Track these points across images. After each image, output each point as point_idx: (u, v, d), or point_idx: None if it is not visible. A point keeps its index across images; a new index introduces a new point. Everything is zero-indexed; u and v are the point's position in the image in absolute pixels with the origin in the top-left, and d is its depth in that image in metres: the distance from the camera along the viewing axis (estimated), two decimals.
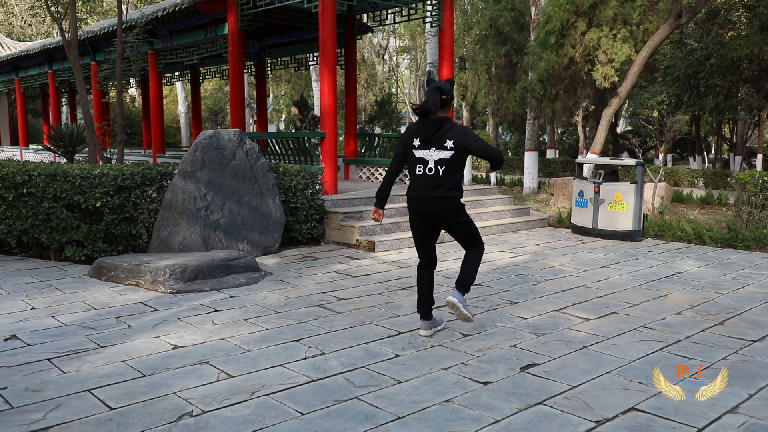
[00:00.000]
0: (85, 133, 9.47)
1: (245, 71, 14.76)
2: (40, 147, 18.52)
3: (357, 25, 12.54)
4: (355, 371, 3.70)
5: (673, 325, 4.64)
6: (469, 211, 9.62)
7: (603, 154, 14.39)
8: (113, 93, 14.62)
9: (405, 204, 9.06)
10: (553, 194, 12.51)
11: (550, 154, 23.70)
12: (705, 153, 22.68)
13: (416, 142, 4.21)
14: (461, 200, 4.27)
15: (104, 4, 27.46)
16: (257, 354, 3.99)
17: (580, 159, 10.05)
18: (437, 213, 4.22)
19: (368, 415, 3.11)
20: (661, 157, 19.59)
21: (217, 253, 6.33)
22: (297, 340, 4.27)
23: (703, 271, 6.61)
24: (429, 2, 10.63)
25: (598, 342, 4.26)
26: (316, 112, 18.97)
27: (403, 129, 30.33)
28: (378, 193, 4.40)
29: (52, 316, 4.79)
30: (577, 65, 14.29)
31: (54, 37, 25.71)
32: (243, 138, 7.42)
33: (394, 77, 33.99)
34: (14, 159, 8.57)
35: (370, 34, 19.18)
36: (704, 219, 10.29)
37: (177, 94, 28.25)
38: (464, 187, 11.31)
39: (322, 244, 8.24)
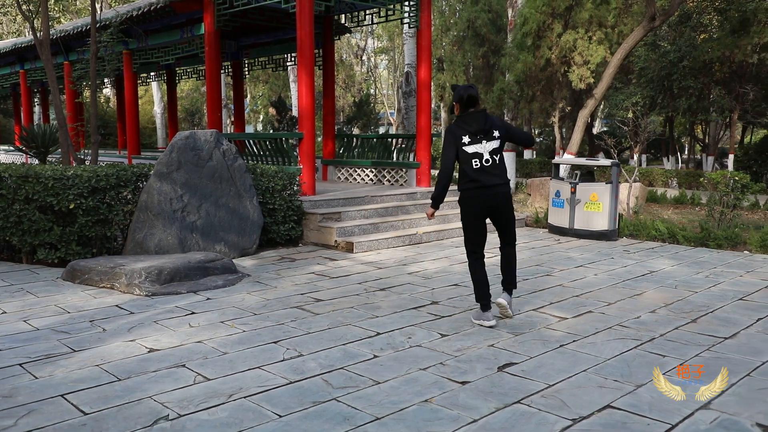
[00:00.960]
0: (58, 133, 9.32)
1: (222, 71, 14.64)
2: (11, 148, 18.19)
3: (335, 25, 12.52)
4: (334, 372, 3.69)
5: (648, 324, 4.71)
6: (447, 212, 9.73)
7: (579, 154, 14.54)
8: (87, 93, 14.40)
9: (383, 205, 9.14)
10: (530, 194, 12.61)
11: (528, 154, 23.91)
12: (678, 153, 23.05)
13: (466, 140, 4.35)
14: None
15: (77, 3, 27.05)
16: (234, 356, 3.96)
17: (556, 159, 10.15)
18: (501, 201, 4.49)
19: (346, 416, 3.11)
20: (635, 157, 19.88)
21: (193, 255, 6.27)
22: (275, 342, 4.24)
23: (677, 270, 6.72)
24: (407, 3, 10.66)
25: (574, 341, 4.30)
26: (294, 112, 18.89)
27: (381, 130, 30.39)
28: (438, 197, 4.58)
29: (24, 321, 4.70)
30: (553, 67, 14.44)
31: (26, 35, 25.26)
32: (220, 139, 7.36)
33: (373, 78, 34.00)
34: None
35: (348, 34, 19.19)
36: (678, 218, 10.46)
37: (153, 95, 27.93)
38: None
39: (300, 245, 8.21)
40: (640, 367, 3.79)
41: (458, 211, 10.33)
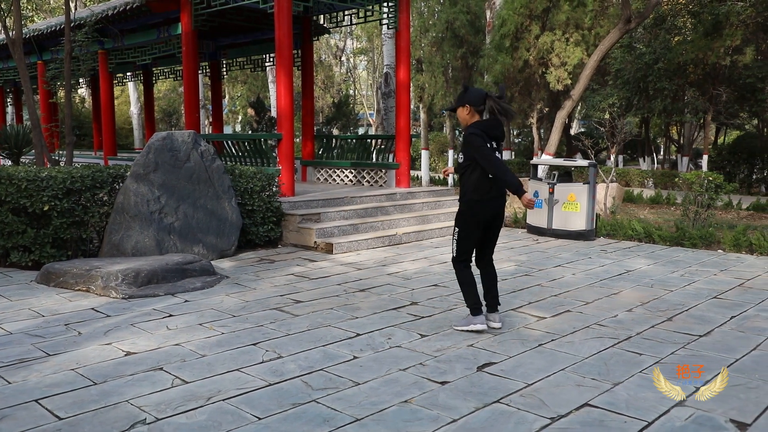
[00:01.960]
0: (32, 134, 9.16)
1: (200, 72, 14.53)
2: None
3: (314, 26, 12.49)
4: (313, 374, 3.68)
5: (625, 322, 4.77)
6: (426, 212, 9.74)
7: (557, 155, 14.67)
8: (62, 93, 14.21)
9: (363, 205, 9.14)
10: (509, 195, 12.70)
11: (506, 155, 24.06)
12: (654, 154, 23.39)
13: (492, 145, 4.26)
14: None
15: (51, 2, 26.64)
16: (213, 359, 3.92)
17: (535, 160, 10.23)
18: (502, 211, 4.47)
19: (326, 417, 3.10)
20: (612, 158, 20.10)
21: (171, 257, 6.20)
22: (254, 344, 4.22)
23: (653, 269, 6.81)
24: (386, 4, 10.67)
25: (552, 340, 4.34)
26: (273, 113, 18.80)
27: (361, 130, 30.36)
28: (518, 181, 4.23)
29: None
30: (531, 68, 14.56)
31: None
32: (198, 140, 7.30)
33: (352, 79, 33.96)
34: None
35: (327, 35, 19.12)
36: (654, 218, 10.60)
37: (129, 95, 27.59)
38: (422, 188, 11.41)
39: (279, 246, 8.17)
40: (617, 365, 3.84)
41: (438, 212, 10.35)
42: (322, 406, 3.23)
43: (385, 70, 15.62)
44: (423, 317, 4.90)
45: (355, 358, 3.96)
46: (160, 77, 17.87)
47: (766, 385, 3.53)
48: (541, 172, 12.28)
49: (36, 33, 13.01)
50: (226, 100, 31.61)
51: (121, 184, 6.93)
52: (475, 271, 4.51)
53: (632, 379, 3.60)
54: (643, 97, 18.40)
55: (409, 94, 10.96)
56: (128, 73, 18.42)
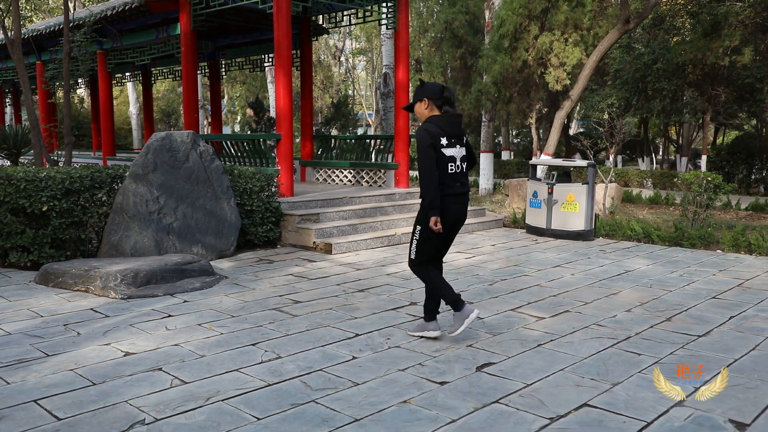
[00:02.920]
0: (31, 134, 9.16)
1: (199, 72, 14.52)
2: None
3: (312, 26, 12.49)
4: (312, 374, 3.68)
5: (624, 322, 4.77)
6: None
7: (556, 155, 14.69)
8: (60, 93, 14.18)
9: (362, 206, 9.14)
10: (508, 195, 12.70)
11: (505, 155, 24.08)
12: (653, 154, 23.40)
13: (444, 141, 4.04)
14: None
15: (50, 2, 26.63)
16: (212, 359, 3.92)
17: (534, 160, 10.23)
18: (465, 210, 4.24)
19: (325, 418, 3.09)
20: (611, 158, 20.11)
21: (170, 257, 6.20)
22: (253, 344, 4.21)
23: (652, 269, 6.81)
24: (384, 5, 10.67)
25: (551, 340, 4.34)
26: (272, 113, 18.79)
27: (360, 131, 30.36)
28: (437, 201, 3.98)
29: None
30: (530, 68, 14.56)
31: None
32: (197, 140, 7.29)
33: (351, 79, 33.97)
34: None
35: (325, 35, 19.14)
36: (653, 218, 10.61)
37: (128, 95, 27.59)
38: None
39: (278, 246, 8.16)
40: (616, 365, 3.84)
41: None
42: (321, 406, 3.23)
43: (384, 71, 15.63)
44: (422, 317, 4.89)
45: (354, 358, 3.96)
46: (159, 77, 17.86)
47: (765, 385, 3.53)
48: (540, 172, 12.29)
49: (35, 33, 13.00)
50: (224, 101, 31.60)
51: (119, 185, 6.92)
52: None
53: (631, 380, 3.60)
54: (641, 98, 18.41)
55: (408, 95, 10.97)
56: (127, 74, 18.41)
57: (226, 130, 32.94)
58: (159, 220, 6.80)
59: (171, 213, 6.91)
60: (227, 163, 9.49)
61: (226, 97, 31.84)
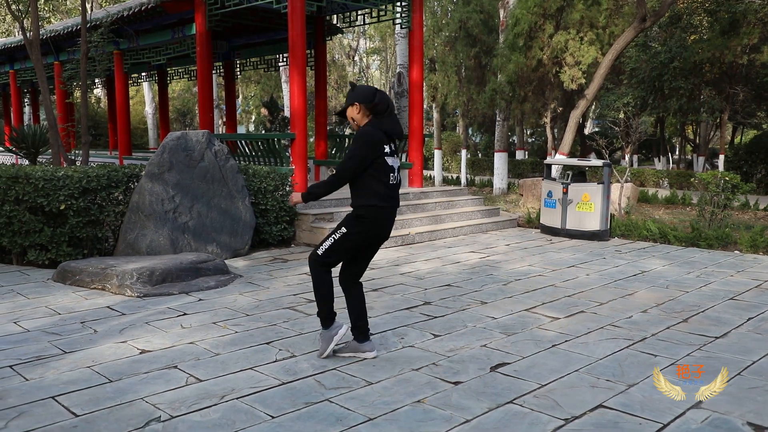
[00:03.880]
0: (49, 134, 9.26)
1: (214, 72, 14.61)
2: (1, 149, 18.03)
3: (327, 26, 12.50)
4: (326, 373, 3.68)
5: (640, 323, 4.73)
6: (440, 212, 9.71)
7: (571, 155, 14.59)
8: (78, 93, 14.32)
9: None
10: (522, 195, 12.64)
11: (520, 155, 23.96)
12: (669, 154, 23.19)
13: (387, 149, 3.71)
14: None
15: (68, 3, 26.90)
16: (227, 357, 3.94)
17: (548, 160, 10.18)
18: (393, 223, 3.93)
19: (339, 417, 3.10)
20: (627, 158, 19.96)
21: (185, 256, 6.24)
22: (267, 343, 4.23)
23: (668, 270, 6.75)
24: (399, 4, 10.66)
25: (566, 341, 4.31)
26: (286, 113, 18.86)
27: None
28: (319, 196, 3.82)
29: (14, 322, 4.67)
30: (545, 67, 14.47)
31: (15, 35, 25.09)
32: (212, 139, 7.33)
33: (365, 78, 33.98)
34: None
35: (340, 35, 19.16)
36: (669, 218, 10.51)
37: (144, 95, 27.80)
38: (435, 188, 11.38)
39: (292, 245, 8.19)
40: (631, 366, 3.81)
41: (451, 212, 10.34)
42: (335, 405, 3.24)
43: (398, 70, 15.60)
44: (436, 317, 4.89)
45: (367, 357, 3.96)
46: (175, 77, 17.99)
47: None
48: (555, 171, 12.23)
49: (53, 34, 13.15)
50: (239, 100, 31.75)
51: (136, 184, 6.98)
52: (339, 291, 4.05)
53: (647, 381, 3.57)
54: (658, 97, 18.25)
55: (422, 94, 10.94)
56: (143, 74, 18.55)
57: (241, 129, 33.09)
58: (174, 219, 6.84)
59: (186, 212, 6.95)
60: (242, 162, 9.54)
61: (240, 96, 31.99)
